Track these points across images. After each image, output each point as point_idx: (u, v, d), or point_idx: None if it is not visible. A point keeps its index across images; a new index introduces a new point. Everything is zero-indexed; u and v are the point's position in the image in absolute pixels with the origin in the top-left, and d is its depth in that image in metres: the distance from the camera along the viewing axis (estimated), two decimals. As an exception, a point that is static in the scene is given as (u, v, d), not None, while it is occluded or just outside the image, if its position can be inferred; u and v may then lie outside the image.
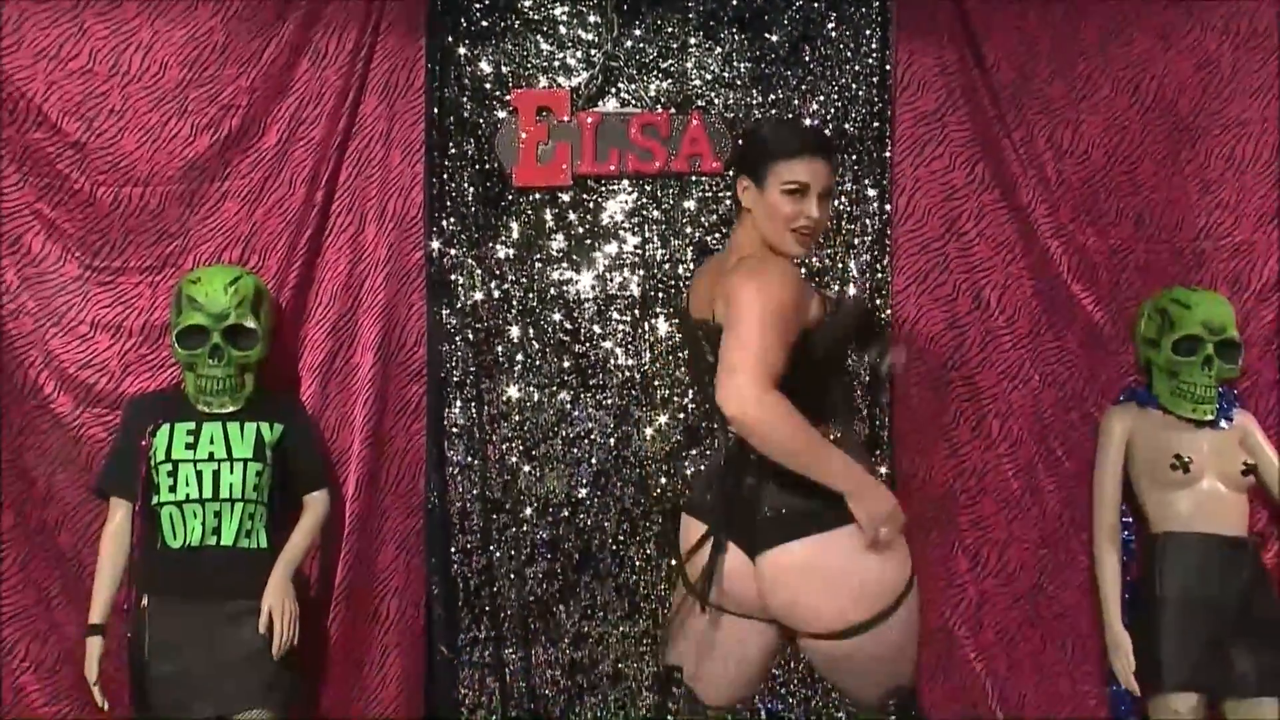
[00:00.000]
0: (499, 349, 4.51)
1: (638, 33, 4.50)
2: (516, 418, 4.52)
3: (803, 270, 4.13)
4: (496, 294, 4.51)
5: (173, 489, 3.86)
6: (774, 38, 4.50)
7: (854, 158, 4.45)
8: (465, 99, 4.49)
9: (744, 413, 2.83)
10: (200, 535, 3.85)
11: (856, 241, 4.42)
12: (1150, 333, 4.25)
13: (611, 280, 4.52)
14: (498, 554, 4.50)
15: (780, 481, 3.08)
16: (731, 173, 3.53)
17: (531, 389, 4.52)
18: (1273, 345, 4.40)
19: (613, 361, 4.52)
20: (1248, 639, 4.03)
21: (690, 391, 4.47)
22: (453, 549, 4.48)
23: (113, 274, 4.31)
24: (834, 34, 4.49)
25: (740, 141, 3.56)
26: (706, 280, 3.30)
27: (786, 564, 3.10)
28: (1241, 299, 4.38)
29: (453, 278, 4.49)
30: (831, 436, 3.08)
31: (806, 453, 2.95)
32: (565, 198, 4.50)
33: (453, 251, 4.49)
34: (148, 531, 3.91)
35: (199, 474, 3.87)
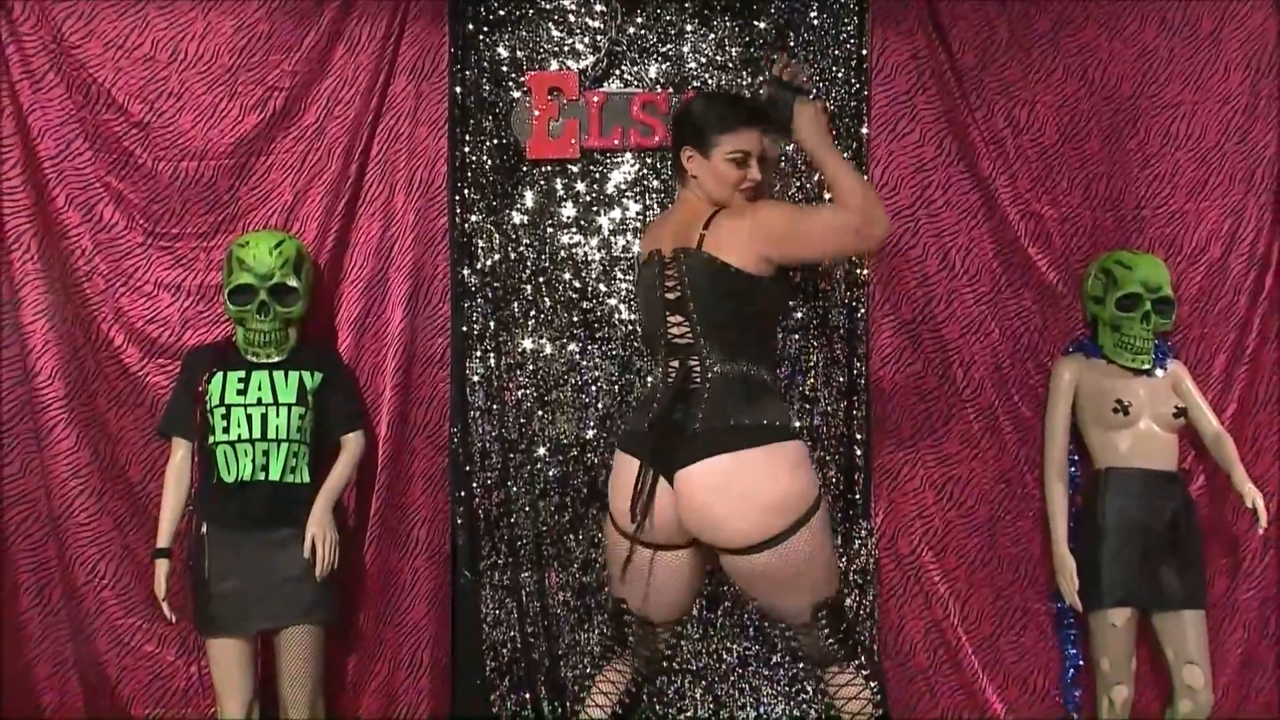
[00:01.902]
0: (515, 305, 4.67)
1: (639, 20, 4.65)
2: (531, 367, 4.67)
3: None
4: (513, 256, 4.66)
5: (226, 430, 4.05)
6: (762, 25, 4.65)
7: (834, 134, 4.52)
8: (484, 80, 4.64)
9: (879, 230, 3.16)
10: (251, 471, 4.05)
11: (836, 209, 4.62)
12: (1096, 291, 4.44)
13: (616, 243, 4.68)
14: (514, 489, 4.66)
15: (706, 408, 3.23)
16: (673, 144, 3.55)
17: (544, 341, 4.67)
18: (1200, 303, 4.61)
19: (617, 316, 4.68)
20: (1175, 560, 4.28)
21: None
22: (474, 484, 4.64)
23: (172, 239, 4.47)
24: (816, 22, 4.64)
25: (680, 116, 3.56)
26: (663, 232, 3.47)
27: (699, 481, 3.20)
28: (1175, 261, 4.57)
29: (473, 241, 4.65)
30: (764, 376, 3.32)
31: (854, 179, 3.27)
32: (574, 169, 4.66)
33: (473, 218, 4.65)
34: (205, 468, 4.11)
35: (249, 417, 4.06)
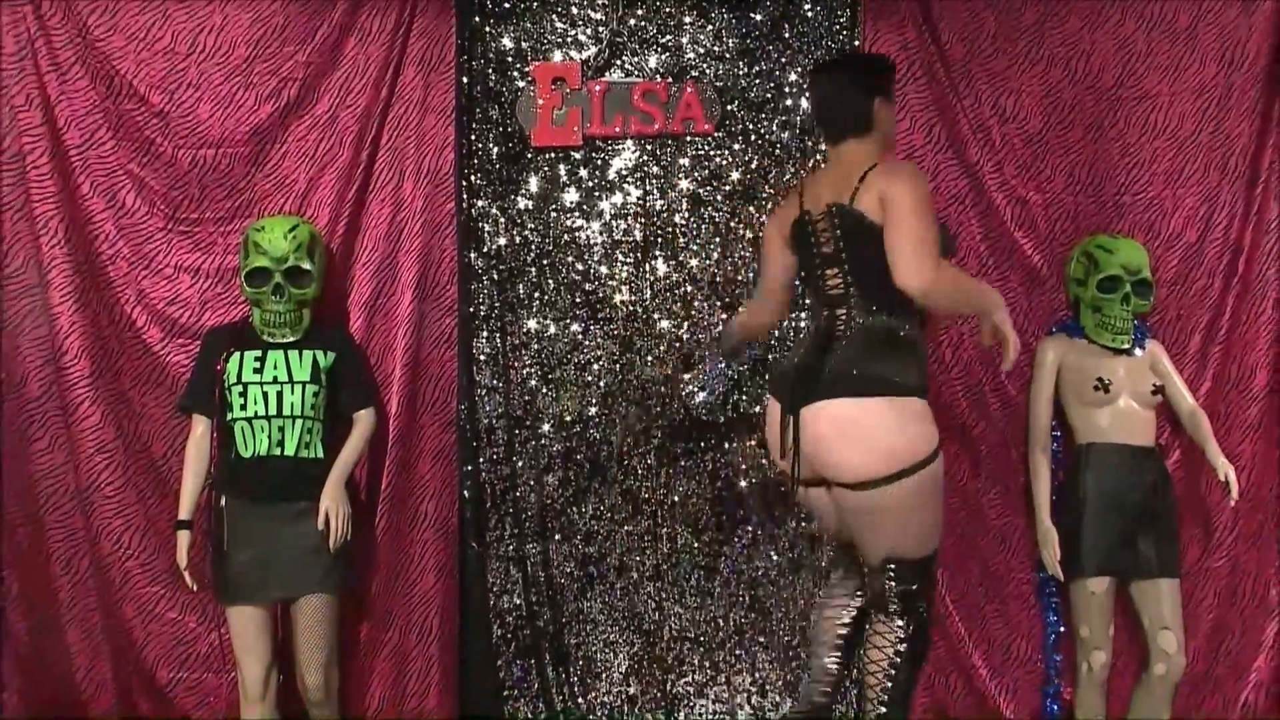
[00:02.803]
0: (520, 287, 4.76)
1: (639, 12, 4.75)
2: (535, 346, 4.77)
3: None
4: (518, 240, 4.76)
5: (243, 407, 4.13)
6: (758, 17, 4.75)
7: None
8: (490, 70, 4.73)
9: (927, 283, 3.26)
10: (267, 446, 4.12)
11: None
12: (1078, 273, 4.51)
13: (617, 227, 4.77)
14: (519, 463, 4.76)
15: (841, 355, 3.41)
16: (856, 100, 3.57)
17: (548, 322, 4.77)
18: (1176, 286, 4.69)
19: (618, 298, 4.77)
20: (1151, 531, 4.36)
21: (685, 324, 4.74)
22: (481, 459, 4.74)
23: (191, 224, 4.56)
24: (810, 14, 4.75)
25: (871, 72, 3.64)
26: (820, 190, 3.56)
27: (819, 418, 3.40)
28: (1154, 245, 4.63)
29: (480, 226, 4.74)
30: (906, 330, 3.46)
31: (967, 297, 3.46)
32: (577, 156, 4.75)
33: (480, 203, 4.74)
34: (224, 443, 4.18)
35: (265, 394, 4.14)
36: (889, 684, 3.52)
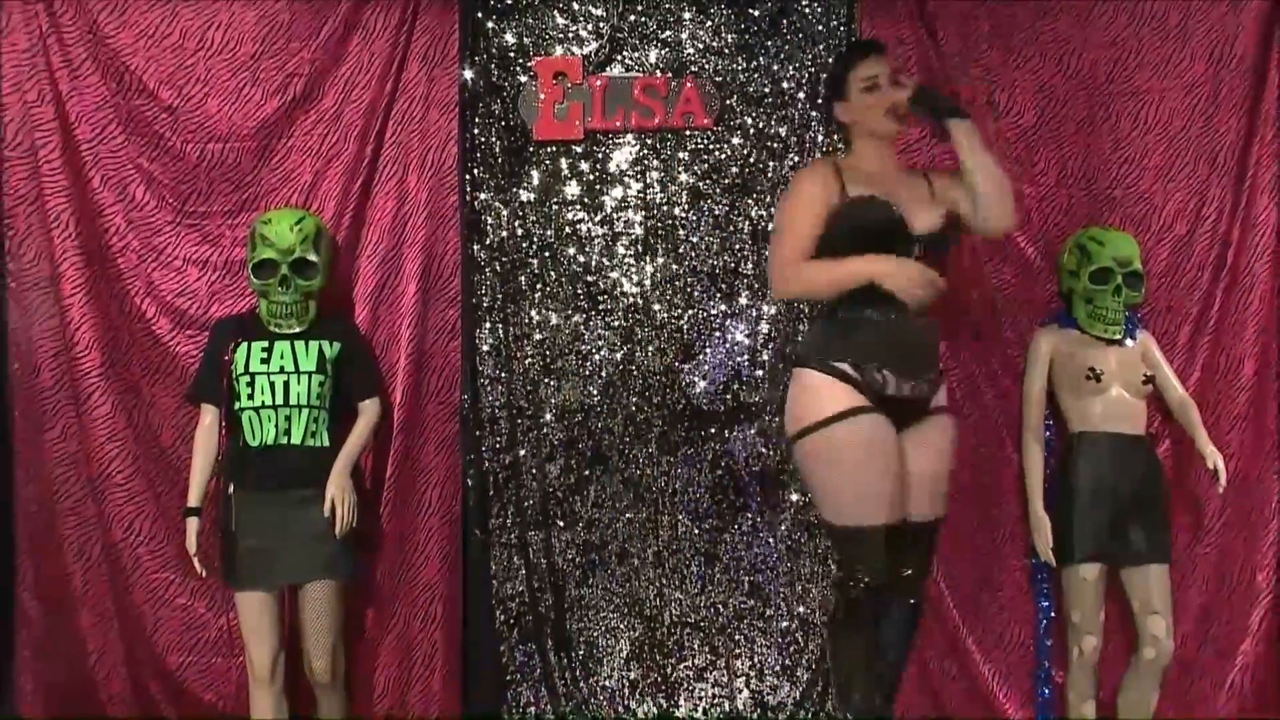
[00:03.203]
0: (522, 279, 4.79)
1: (640, 8, 4.77)
2: (537, 337, 4.79)
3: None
4: (520, 232, 4.78)
5: (251, 397, 4.18)
6: (756, 13, 4.78)
7: (826, 116, 4.55)
8: (493, 66, 4.76)
9: (777, 295, 3.91)
10: (274, 435, 4.18)
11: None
12: (1071, 265, 4.54)
13: (618, 220, 4.81)
14: (522, 452, 4.79)
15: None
16: (824, 106, 3.99)
17: (550, 313, 4.80)
18: (1167, 278, 4.72)
19: (619, 289, 4.81)
20: (1142, 518, 4.41)
21: (685, 314, 4.79)
22: (484, 448, 4.76)
23: (199, 217, 4.61)
24: (807, 10, 4.77)
25: (823, 83, 3.96)
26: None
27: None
28: (1144, 238, 4.65)
29: (483, 218, 4.77)
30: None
31: (827, 281, 3.75)
32: (578, 149, 4.78)
33: (483, 196, 4.77)
34: (232, 432, 4.23)
35: (272, 384, 4.19)
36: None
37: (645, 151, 4.84)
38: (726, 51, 4.82)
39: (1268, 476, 4.74)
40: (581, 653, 4.83)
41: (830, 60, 4.72)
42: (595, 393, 4.83)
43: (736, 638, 4.85)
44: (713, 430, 4.85)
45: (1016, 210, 3.87)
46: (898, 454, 3.73)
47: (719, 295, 4.84)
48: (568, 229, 4.83)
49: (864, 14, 4.72)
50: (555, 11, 4.80)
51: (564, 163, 4.83)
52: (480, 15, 4.78)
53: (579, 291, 4.84)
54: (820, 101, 3.87)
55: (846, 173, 3.82)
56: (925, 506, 3.83)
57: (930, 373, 3.85)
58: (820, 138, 4.77)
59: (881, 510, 3.68)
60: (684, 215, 4.83)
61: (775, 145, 4.82)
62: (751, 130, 4.84)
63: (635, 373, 4.82)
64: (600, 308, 4.83)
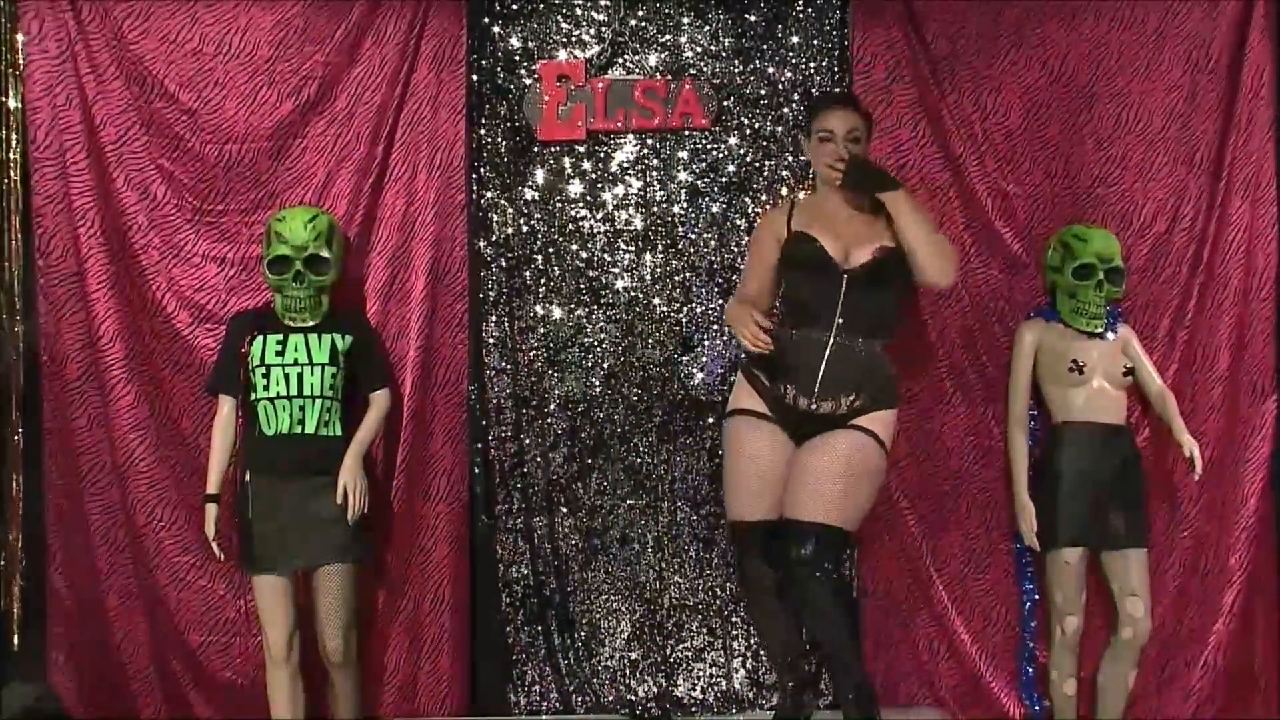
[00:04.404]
0: (527, 274, 4.84)
1: (640, 13, 4.83)
2: (541, 330, 4.85)
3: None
4: (525, 229, 4.84)
5: (266, 388, 4.26)
6: (752, 18, 4.83)
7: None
8: (499, 69, 4.83)
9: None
10: (289, 425, 4.26)
11: (823, 186, 4.57)
12: (1055, 261, 4.59)
13: (619, 217, 4.86)
14: (527, 441, 4.84)
15: None
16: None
17: (554, 307, 4.85)
18: (1147, 273, 4.77)
19: (620, 284, 4.86)
20: (1121, 504, 4.49)
21: (684, 309, 4.84)
22: (490, 437, 4.81)
23: (217, 215, 4.69)
24: (802, 16, 4.83)
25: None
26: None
27: None
28: (1125, 235, 4.71)
29: (489, 216, 4.82)
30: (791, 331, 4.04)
31: (729, 319, 4.13)
32: (581, 149, 4.84)
33: (489, 194, 4.82)
34: (248, 422, 4.32)
35: (286, 376, 4.27)
36: None
37: (645, 151, 4.89)
38: (724, 55, 4.87)
39: (1241, 465, 4.79)
40: (584, 634, 4.87)
41: (824, 64, 4.86)
42: (597, 384, 4.88)
43: (734, 620, 4.88)
44: (710, 420, 4.87)
45: (954, 267, 4.12)
46: (781, 461, 4.03)
47: (716, 290, 4.89)
48: (570, 226, 4.88)
49: (856, 18, 4.78)
50: (559, 17, 4.85)
51: (567, 162, 4.88)
52: (487, 20, 4.84)
53: (581, 286, 4.89)
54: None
55: (799, 210, 4.18)
56: (803, 510, 3.94)
57: (847, 394, 4.04)
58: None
59: (745, 507, 4.08)
60: (683, 213, 4.88)
61: (771, 145, 4.87)
62: (748, 130, 4.90)
63: (636, 365, 4.88)
64: (602, 302, 4.88)
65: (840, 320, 4.01)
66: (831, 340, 4.01)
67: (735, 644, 4.89)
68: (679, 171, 4.89)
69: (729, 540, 4.17)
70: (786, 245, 4.14)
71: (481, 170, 4.87)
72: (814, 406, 4.03)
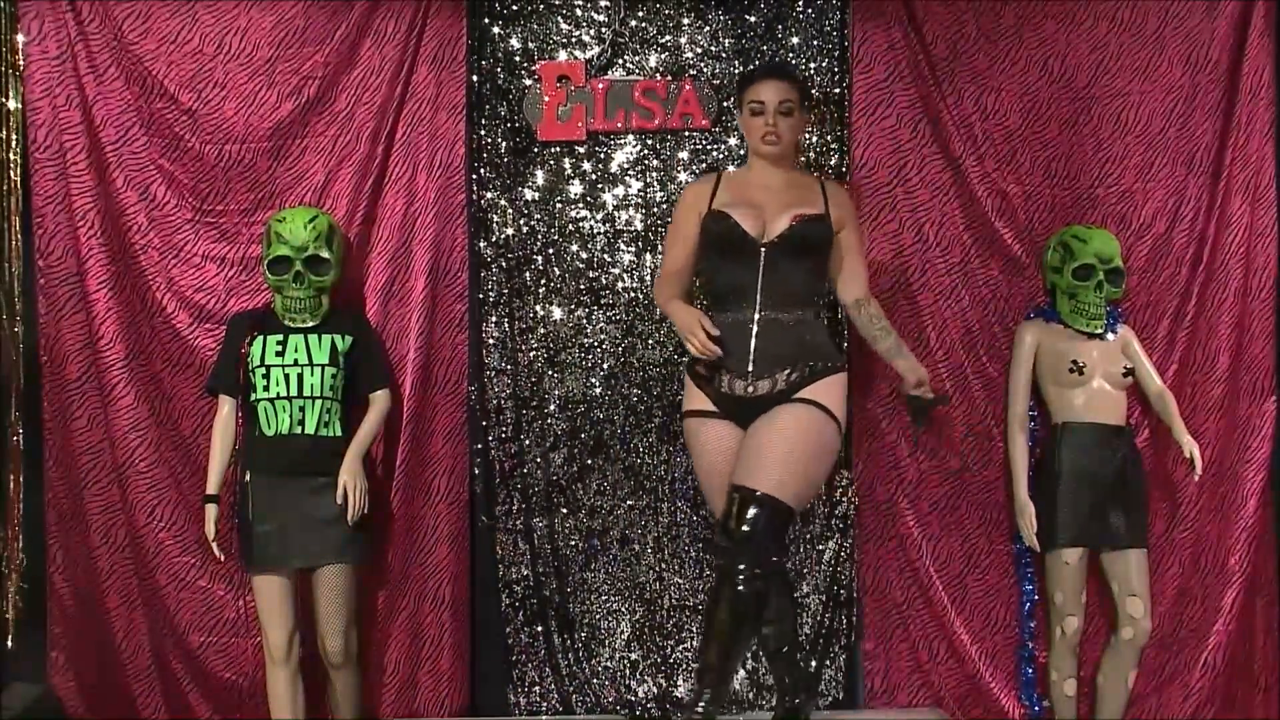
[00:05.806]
0: (527, 274, 4.84)
1: (640, 14, 4.83)
2: (542, 330, 4.84)
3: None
4: (525, 229, 4.83)
5: (266, 388, 4.27)
6: (752, 18, 4.83)
7: (819, 117, 4.76)
8: (499, 69, 4.82)
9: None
10: (289, 425, 4.27)
11: (822, 186, 4.58)
12: (1055, 262, 4.62)
13: (619, 218, 4.85)
14: (527, 441, 4.84)
15: None
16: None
17: (554, 307, 4.84)
18: (1146, 274, 4.79)
19: (620, 284, 4.85)
20: (1121, 504, 4.51)
21: None
22: (490, 437, 4.80)
23: (217, 215, 4.69)
24: (802, 16, 4.83)
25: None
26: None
27: None
28: (1125, 235, 4.73)
29: (489, 216, 4.82)
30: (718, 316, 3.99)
31: (662, 307, 4.11)
32: (581, 150, 4.84)
33: (489, 195, 4.82)
34: (248, 422, 4.33)
35: (286, 376, 4.28)
36: None
37: (645, 152, 4.89)
38: (724, 55, 4.87)
39: (1241, 465, 4.81)
40: (584, 634, 4.88)
41: (824, 64, 4.86)
42: (597, 384, 4.88)
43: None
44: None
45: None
46: (733, 452, 3.98)
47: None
48: (571, 226, 4.88)
49: (856, 19, 4.78)
50: (559, 17, 4.86)
51: (567, 162, 4.88)
52: (487, 21, 4.84)
53: (581, 286, 4.89)
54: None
55: (723, 186, 4.14)
56: (751, 477, 3.82)
57: (782, 370, 3.98)
58: (816, 138, 4.87)
59: (717, 506, 4.03)
60: (684, 214, 4.88)
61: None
62: (747, 131, 4.91)
63: (636, 365, 4.88)
64: (602, 302, 4.88)
65: (761, 296, 3.97)
66: (757, 317, 3.98)
67: (735, 644, 4.85)
68: (679, 172, 4.88)
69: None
70: (705, 221, 4.10)
71: (481, 171, 4.86)
72: (750, 389, 3.98)
